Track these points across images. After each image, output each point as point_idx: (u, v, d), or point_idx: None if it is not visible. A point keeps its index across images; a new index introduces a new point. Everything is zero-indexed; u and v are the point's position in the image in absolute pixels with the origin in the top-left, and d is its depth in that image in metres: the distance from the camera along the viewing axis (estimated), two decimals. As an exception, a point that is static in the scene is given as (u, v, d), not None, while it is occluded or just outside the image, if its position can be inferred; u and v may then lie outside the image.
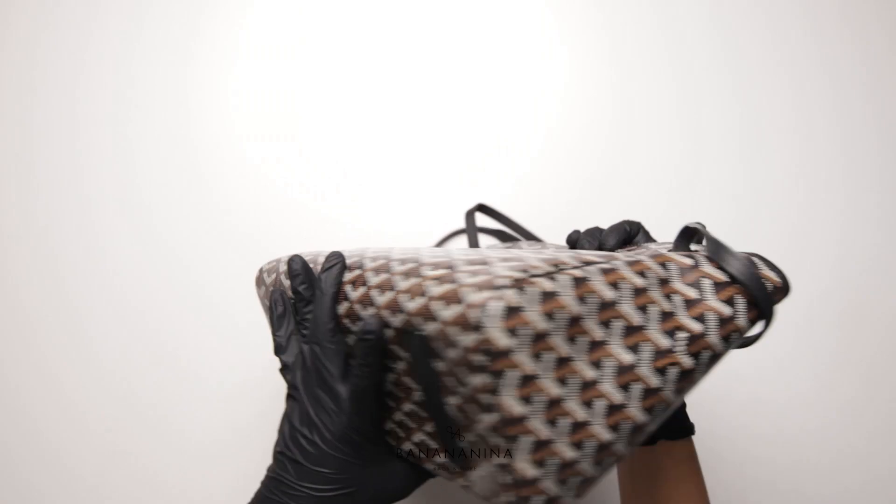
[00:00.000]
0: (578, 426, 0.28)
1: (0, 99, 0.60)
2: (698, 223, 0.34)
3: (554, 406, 0.27)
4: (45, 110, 0.60)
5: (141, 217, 0.59)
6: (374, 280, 0.32)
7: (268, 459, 0.53)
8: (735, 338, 0.31)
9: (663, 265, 0.32)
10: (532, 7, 0.63)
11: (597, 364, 0.29)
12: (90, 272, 0.57)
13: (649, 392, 0.30)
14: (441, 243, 0.57)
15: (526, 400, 0.27)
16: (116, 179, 0.59)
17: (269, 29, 0.62)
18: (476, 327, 0.26)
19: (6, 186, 0.59)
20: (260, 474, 0.53)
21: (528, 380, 0.27)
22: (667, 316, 0.31)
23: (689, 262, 0.32)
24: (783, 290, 0.32)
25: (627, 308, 0.30)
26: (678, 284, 0.32)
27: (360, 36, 0.62)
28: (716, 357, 0.31)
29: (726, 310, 0.31)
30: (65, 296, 0.57)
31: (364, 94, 0.61)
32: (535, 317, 0.26)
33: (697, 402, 0.56)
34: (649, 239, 0.37)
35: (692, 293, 0.31)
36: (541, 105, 0.61)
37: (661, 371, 0.30)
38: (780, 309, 0.58)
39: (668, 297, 0.31)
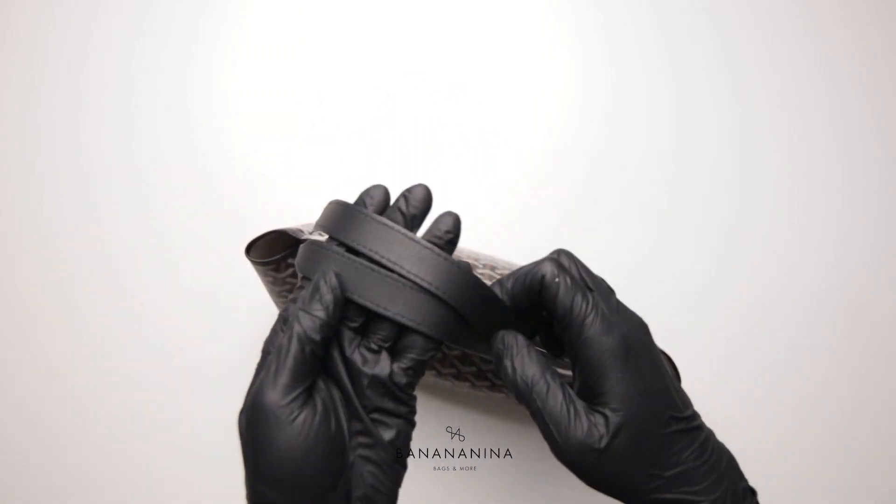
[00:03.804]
0: None
1: (0, 99, 0.61)
2: None
3: None
4: (45, 110, 0.60)
5: (141, 216, 0.59)
6: None
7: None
8: None
9: None
10: (532, 7, 0.63)
11: None
12: (90, 272, 0.57)
13: None
14: None
15: None
16: (116, 179, 0.59)
17: (269, 29, 0.62)
18: None
19: (6, 186, 0.59)
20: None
21: None
22: None
23: None
24: None
25: None
26: None
27: (360, 36, 0.62)
28: None
29: None
30: (65, 297, 0.57)
31: (364, 94, 0.61)
32: None
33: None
34: None
35: None
36: (541, 105, 0.61)
37: None
38: (781, 309, 0.58)
39: None
